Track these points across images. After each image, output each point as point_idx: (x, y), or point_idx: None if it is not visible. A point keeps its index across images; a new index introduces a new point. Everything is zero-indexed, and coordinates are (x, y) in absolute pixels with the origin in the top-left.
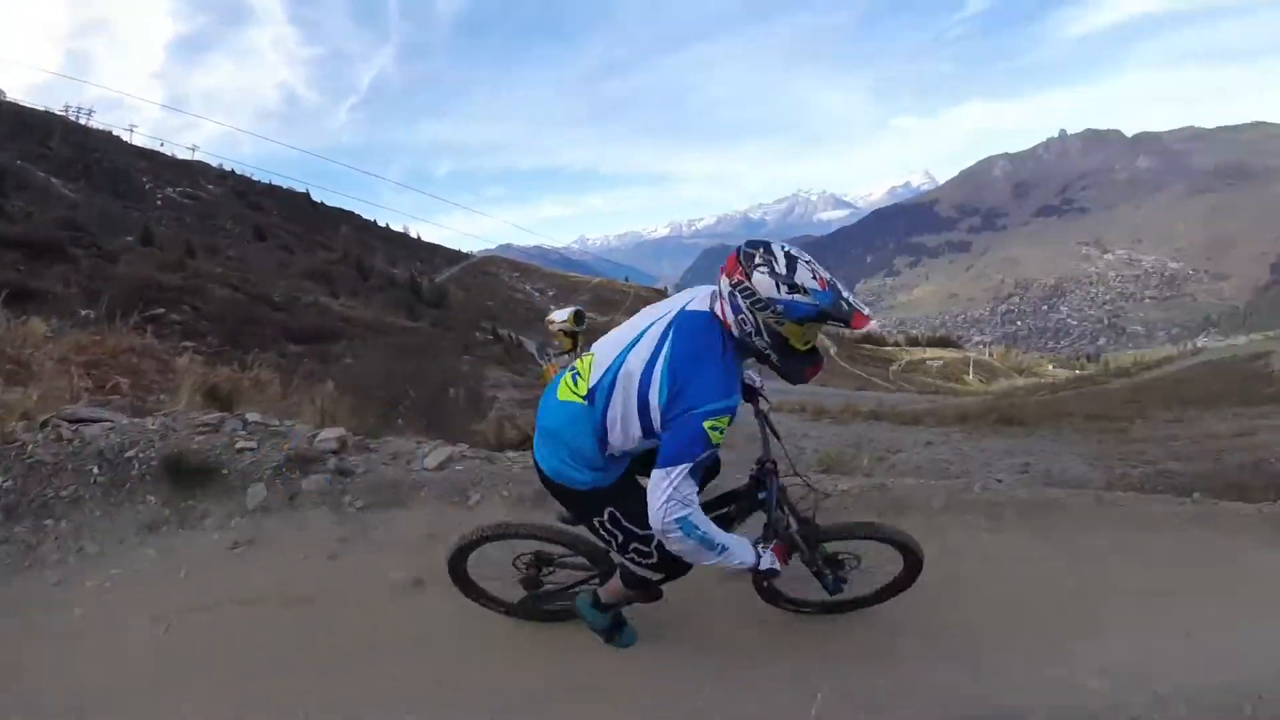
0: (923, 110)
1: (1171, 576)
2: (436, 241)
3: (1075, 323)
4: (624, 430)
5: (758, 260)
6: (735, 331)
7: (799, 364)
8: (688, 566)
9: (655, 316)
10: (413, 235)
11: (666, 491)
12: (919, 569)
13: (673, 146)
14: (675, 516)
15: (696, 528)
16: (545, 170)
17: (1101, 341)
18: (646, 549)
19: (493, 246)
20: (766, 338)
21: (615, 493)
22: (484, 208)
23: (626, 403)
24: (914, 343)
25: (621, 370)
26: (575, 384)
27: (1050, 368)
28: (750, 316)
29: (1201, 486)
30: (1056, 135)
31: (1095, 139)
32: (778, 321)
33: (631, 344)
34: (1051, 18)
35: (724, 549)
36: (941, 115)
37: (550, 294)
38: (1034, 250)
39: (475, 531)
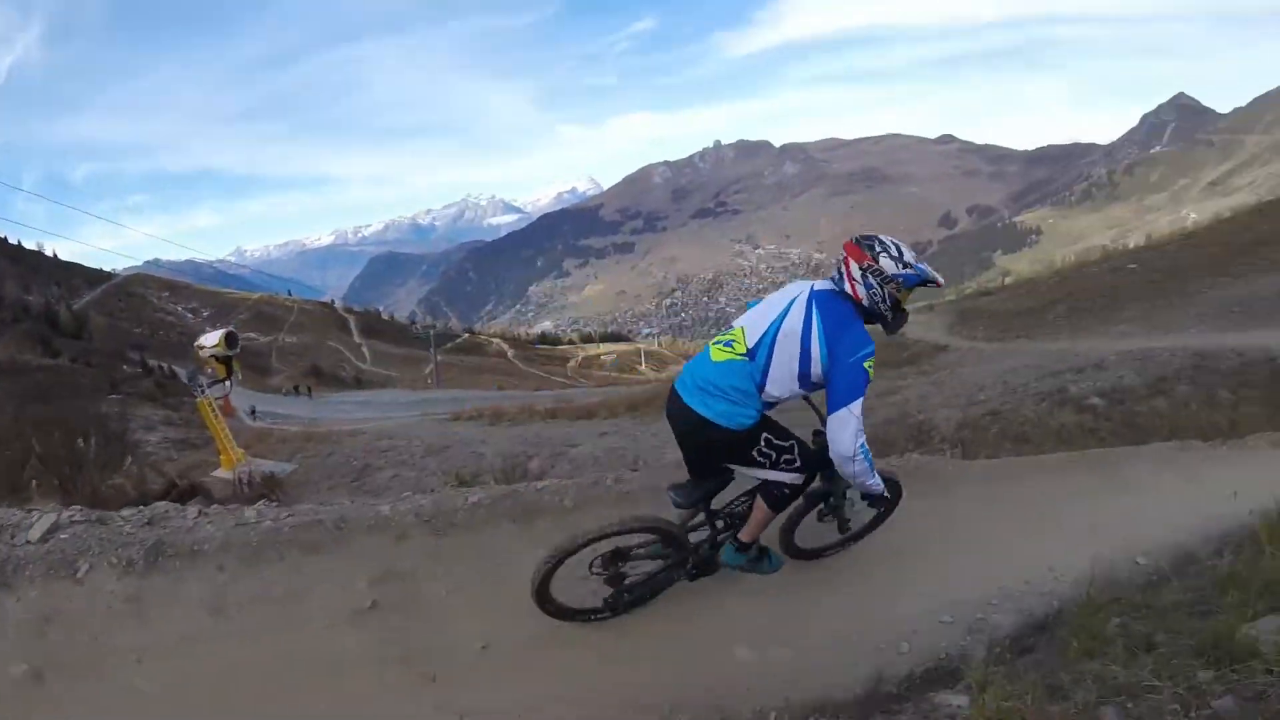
0: (589, 119)
1: None
2: (75, 259)
3: (734, 311)
4: (783, 380)
5: (878, 249)
6: (866, 302)
7: (901, 319)
8: (820, 469)
9: (792, 296)
10: (48, 253)
11: (854, 423)
12: (899, 500)
13: (337, 148)
14: (861, 441)
15: (869, 453)
16: (197, 174)
17: None
18: (792, 456)
19: (138, 263)
20: (890, 304)
21: (767, 423)
22: (128, 218)
23: (790, 356)
24: (588, 339)
25: (780, 332)
26: (731, 347)
27: None
28: (880, 290)
29: None
30: (712, 145)
31: (747, 149)
32: (898, 290)
33: (782, 315)
34: (712, 39)
35: (874, 473)
36: (607, 125)
37: (205, 314)
38: (692, 249)
39: (554, 553)
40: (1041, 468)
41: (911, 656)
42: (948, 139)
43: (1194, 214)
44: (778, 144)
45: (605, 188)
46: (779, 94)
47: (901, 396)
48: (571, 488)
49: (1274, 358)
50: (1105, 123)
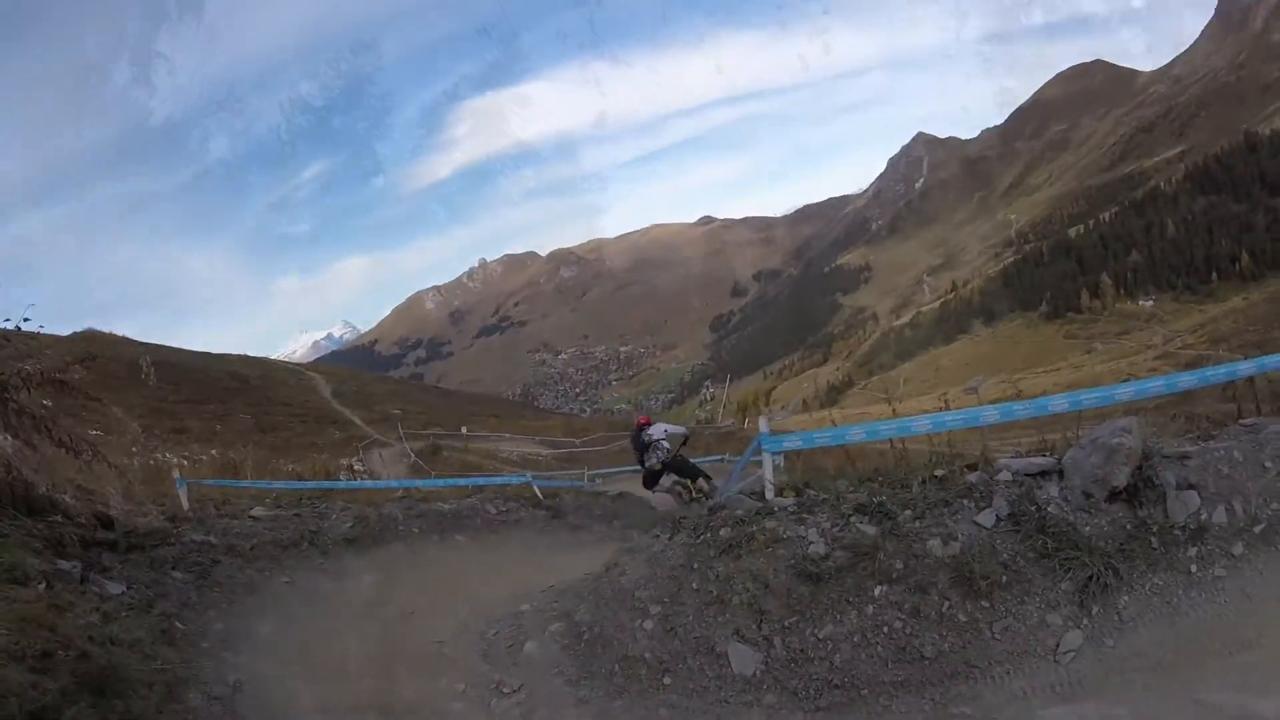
0: (304, 269)
1: None
2: None
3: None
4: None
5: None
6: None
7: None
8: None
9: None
10: None
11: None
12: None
13: None
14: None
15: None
16: None
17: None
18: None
19: None
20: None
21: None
22: None
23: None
24: None
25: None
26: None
27: None
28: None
29: None
30: (477, 264)
31: (514, 262)
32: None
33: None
34: (393, 175)
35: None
36: (328, 272)
37: None
38: (489, 366)
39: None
40: None
41: None
42: (707, 219)
43: (1013, 215)
44: (543, 252)
45: (361, 329)
46: (501, 213)
47: None
48: None
49: None
50: (846, 174)
